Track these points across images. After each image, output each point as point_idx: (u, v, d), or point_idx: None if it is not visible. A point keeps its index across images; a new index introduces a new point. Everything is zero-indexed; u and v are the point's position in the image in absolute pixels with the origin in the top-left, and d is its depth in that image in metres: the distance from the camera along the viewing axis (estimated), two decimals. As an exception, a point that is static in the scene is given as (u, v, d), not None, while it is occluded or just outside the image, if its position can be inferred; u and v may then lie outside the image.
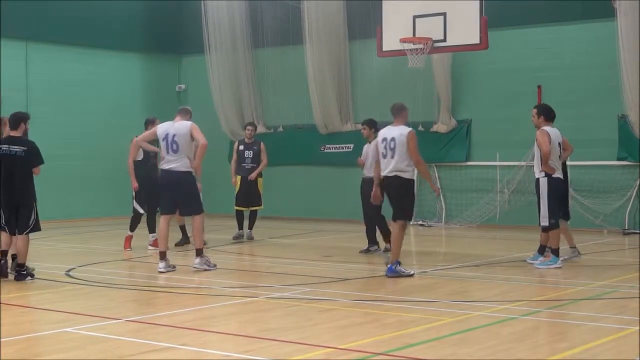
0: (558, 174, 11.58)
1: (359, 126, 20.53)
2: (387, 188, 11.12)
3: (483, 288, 10.28)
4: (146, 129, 13.64)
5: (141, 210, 13.94)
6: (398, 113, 11.11)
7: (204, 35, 21.86)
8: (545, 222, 11.50)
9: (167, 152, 11.47)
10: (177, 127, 11.49)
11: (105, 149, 21.41)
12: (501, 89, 18.47)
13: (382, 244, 13.28)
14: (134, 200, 13.99)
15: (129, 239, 14.16)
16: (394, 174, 10.84)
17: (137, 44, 22.38)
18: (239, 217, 15.94)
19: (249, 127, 16.19)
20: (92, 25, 21.14)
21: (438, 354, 6.72)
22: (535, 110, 12.03)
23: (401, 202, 10.94)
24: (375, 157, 11.59)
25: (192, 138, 11.46)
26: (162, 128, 11.61)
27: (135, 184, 13.61)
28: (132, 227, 14.15)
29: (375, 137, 11.86)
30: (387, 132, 10.99)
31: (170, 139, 11.43)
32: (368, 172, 12.91)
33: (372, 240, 13.41)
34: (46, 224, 19.43)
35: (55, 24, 20.43)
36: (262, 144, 16.07)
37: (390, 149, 10.82)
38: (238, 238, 15.81)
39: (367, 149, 13.37)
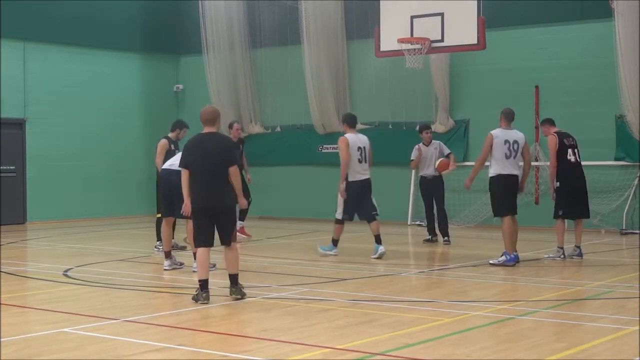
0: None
1: (356, 126, 20.71)
2: (515, 186, 12.10)
3: (481, 288, 10.29)
4: (230, 128, 14.93)
5: None
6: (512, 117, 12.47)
7: (201, 35, 21.84)
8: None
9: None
10: None
11: (104, 149, 21.42)
12: (499, 89, 18.46)
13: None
14: None
15: (242, 229, 15.30)
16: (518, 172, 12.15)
17: (135, 44, 22.36)
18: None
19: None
20: (90, 25, 21.12)
21: (436, 354, 6.73)
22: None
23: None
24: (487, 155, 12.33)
25: None
26: None
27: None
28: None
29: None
30: (508, 135, 12.12)
31: None
32: (426, 171, 14.93)
33: (433, 232, 15.14)
34: (45, 224, 19.57)
35: (53, 24, 20.39)
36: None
37: (514, 150, 12.07)
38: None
39: (426, 150, 14.84)
